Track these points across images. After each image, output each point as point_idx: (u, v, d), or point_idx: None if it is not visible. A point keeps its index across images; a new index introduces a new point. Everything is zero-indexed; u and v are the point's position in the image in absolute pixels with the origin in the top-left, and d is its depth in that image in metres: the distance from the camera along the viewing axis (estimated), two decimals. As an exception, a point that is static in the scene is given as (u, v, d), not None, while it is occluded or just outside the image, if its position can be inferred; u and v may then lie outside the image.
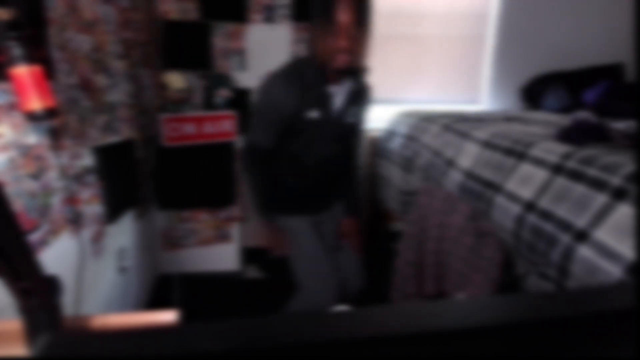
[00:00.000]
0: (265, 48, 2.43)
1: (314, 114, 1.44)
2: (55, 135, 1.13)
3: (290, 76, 1.42)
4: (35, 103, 0.94)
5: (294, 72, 1.43)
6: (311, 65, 1.41)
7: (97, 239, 1.44)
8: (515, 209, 1.42)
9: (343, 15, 1.24)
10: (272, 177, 1.63)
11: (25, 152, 1.01)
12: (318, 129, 1.48)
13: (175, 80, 2.40)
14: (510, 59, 2.76)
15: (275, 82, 1.43)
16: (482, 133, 1.82)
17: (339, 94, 1.47)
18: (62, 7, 1.22)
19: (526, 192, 1.40)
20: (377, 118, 2.62)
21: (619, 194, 1.10)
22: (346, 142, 1.65)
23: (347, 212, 1.74)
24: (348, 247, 1.74)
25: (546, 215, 1.29)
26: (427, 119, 2.26)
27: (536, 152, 1.46)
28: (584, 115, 1.69)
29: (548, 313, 0.41)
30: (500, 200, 1.52)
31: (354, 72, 1.46)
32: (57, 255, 1.13)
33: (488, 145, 1.73)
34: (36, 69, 0.94)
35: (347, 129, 1.59)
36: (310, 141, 1.52)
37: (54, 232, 1.12)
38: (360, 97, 1.56)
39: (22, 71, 0.92)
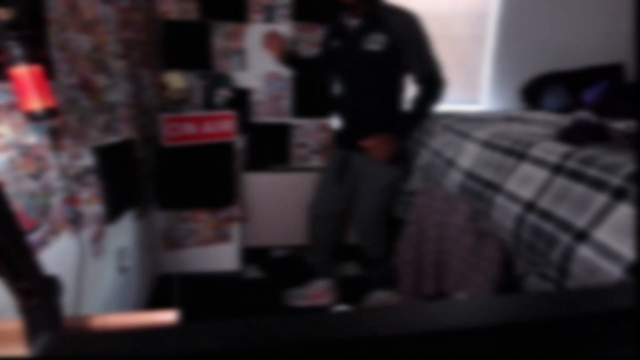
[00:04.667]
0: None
1: (335, 43, 1.80)
2: (55, 135, 1.13)
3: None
4: (35, 103, 0.94)
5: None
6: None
7: (97, 239, 1.44)
8: (515, 209, 1.42)
9: None
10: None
11: (25, 152, 1.01)
12: (340, 56, 1.78)
13: (175, 80, 2.40)
14: (510, 59, 2.76)
15: None
16: (482, 133, 1.82)
17: (355, 25, 1.72)
18: (62, 7, 1.22)
19: (526, 192, 1.40)
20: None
21: (619, 194, 1.10)
22: (380, 73, 1.72)
23: (385, 126, 1.76)
24: (370, 192, 1.88)
25: (546, 215, 1.29)
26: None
27: (536, 152, 1.46)
28: (584, 115, 1.69)
29: (548, 313, 0.41)
30: (500, 200, 1.52)
31: (369, 4, 1.67)
32: (57, 255, 1.13)
33: (488, 145, 1.73)
34: (36, 69, 0.94)
35: (373, 57, 1.67)
36: (340, 71, 1.84)
37: (54, 232, 1.12)
38: (384, 24, 1.64)
39: (22, 71, 0.92)
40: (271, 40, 1.89)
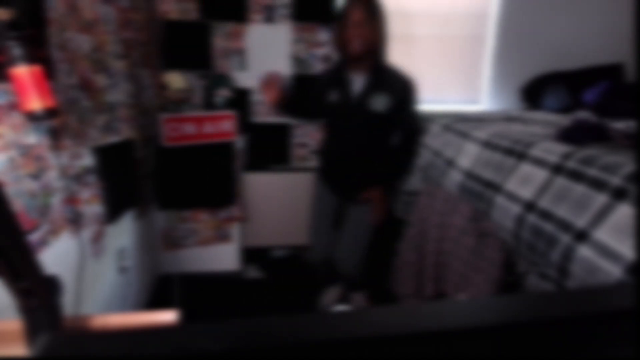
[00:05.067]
0: (265, 48, 2.43)
1: (333, 96, 1.70)
2: (55, 135, 1.13)
3: (327, 69, 1.92)
4: (35, 103, 0.94)
5: (330, 67, 1.88)
6: (338, 60, 1.75)
7: (97, 239, 1.44)
8: (515, 209, 1.42)
9: (354, 12, 1.56)
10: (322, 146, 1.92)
11: (25, 152, 1.01)
12: (339, 110, 1.71)
13: (175, 80, 2.40)
14: (510, 59, 2.76)
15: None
16: (482, 133, 1.82)
17: (358, 81, 1.67)
18: (62, 7, 1.22)
19: (526, 192, 1.40)
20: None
21: (619, 194, 1.10)
22: (379, 133, 1.72)
23: (377, 179, 1.76)
24: (352, 233, 1.84)
25: (546, 215, 1.29)
26: (427, 119, 2.26)
27: (536, 152, 1.46)
28: (584, 115, 1.69)
29: (548, 313, 0.41)
30: (500, 200, 1.52)
31: (375, 63, 1.65)
32: (57, 255, 1.13)
33: (488, 145, 1.73)
34: (36, 69, 0.94)
35: (375, 117, 1.66)
36: (335, 122, 1.78)
37: (54, 232, 1.12)
38: (389, 86, 1.64)
39: (22, 71, 0.92)
40: (270, 83, 1.75)
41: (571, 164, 1.29)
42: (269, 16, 2.39)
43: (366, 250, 1.85)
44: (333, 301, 2.06)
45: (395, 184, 1.84)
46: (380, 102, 1.63)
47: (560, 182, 1.29)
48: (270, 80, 1.77)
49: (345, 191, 1.83)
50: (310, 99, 1.85)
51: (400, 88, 1.66)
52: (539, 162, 1.41)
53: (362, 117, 1.67)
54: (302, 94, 1.92)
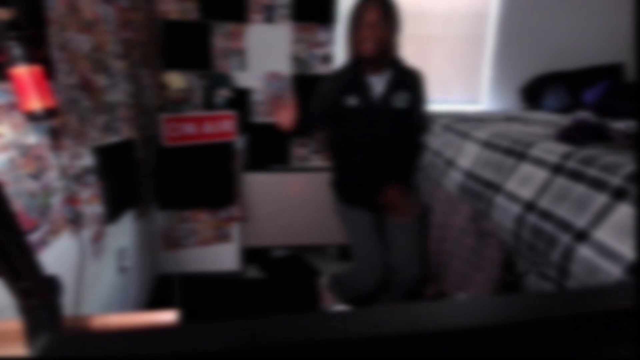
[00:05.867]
0: (265, 48, 2.43)
1: (352, 101, 1.63)
2: (55, 135, 1.13)
3: (334, 72, 1.77)
4: (35, 103, 0.94)
5: (337, 69, 1.76)
6: (349, 61, 1.68)
7: (97, 239, 1.44)
8: (515, 209, 1.42)
9: (367, 13, 1.53)
10: (338, 165, 1.81)
11: (25, 152, 1.01)
12: (361, 115, 1.64)
13: (175, 80, 2.40)
14: (510, 59, 2.76)
15: (322, 79, 1.80)
16: (482, 133, 1.82)
17: (378, 82, 1.64)
18: (62, 7, 1.22)
19: (526, 192, 1.40)
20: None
21: (619, 194, 1.10)
22: (401, 129, 1.69)
23: (393, 178, 1.69)
24: (405, 235, 1.73)
25: (546, 215, 1.29)
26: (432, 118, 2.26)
27: (536, 152, 1.46)
28: (584, 115, 1.69)
29: (548, 313, 0.41)
30: (500, 200, 1.52)
31: (391, 62, 1.64)
32: (57, 255, 1.13)
33: (488, 145, 1.73)
34: (36, 69, 0.94)
35: (398, 115, 1.64)
36: (357, 128, 1.68)
37: (54, 232, 1.12)
38: (407, 83, 1.65)
39: (22, 71, 0.92)
40: (282, 107, 1.59)
41: (571, 164, 1.29)
42: (269, 16, 2.39)
43: (424, 246, 1.78)
44: None
45: (411, 179, 1.76)
46: (402, 99, 1.63)
47: (560, 182, 1.29)
48: (281, 103, 1.63)
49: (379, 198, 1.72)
50: (319, 108, 1.74)
51: (415, 82, 1.67)
52: (539, 162, 1.42)
53: (389, 116, 1.64)
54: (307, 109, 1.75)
